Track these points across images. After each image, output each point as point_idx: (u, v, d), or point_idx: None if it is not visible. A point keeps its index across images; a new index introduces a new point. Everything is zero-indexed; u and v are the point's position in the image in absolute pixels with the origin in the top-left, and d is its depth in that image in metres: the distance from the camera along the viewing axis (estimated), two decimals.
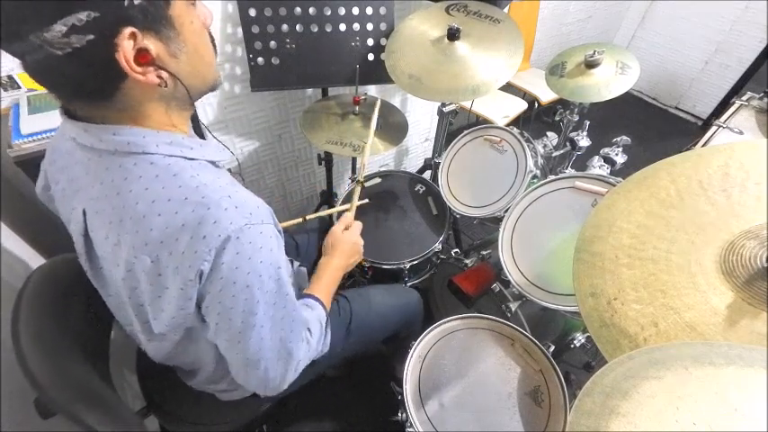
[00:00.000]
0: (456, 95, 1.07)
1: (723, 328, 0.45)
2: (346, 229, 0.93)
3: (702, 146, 1.24)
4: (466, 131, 1.25)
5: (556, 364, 0.83)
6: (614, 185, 0.71)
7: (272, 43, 1.10)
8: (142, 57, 0.44)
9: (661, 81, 2.84)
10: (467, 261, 1.18)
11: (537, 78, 2.16)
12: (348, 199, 1.19)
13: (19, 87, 1.05)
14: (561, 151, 1.41)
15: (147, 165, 0.50)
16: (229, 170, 0.70)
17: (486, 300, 1.11)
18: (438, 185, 1.27)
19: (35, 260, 0.95)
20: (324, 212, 1.11)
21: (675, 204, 0.57)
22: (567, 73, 1.22)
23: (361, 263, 1.14)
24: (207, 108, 1.32)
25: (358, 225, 0.96)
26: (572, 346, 1.05)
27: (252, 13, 1.05)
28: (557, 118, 1.42)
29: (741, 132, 1.26)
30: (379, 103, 1.13)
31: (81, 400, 0.60)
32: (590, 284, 0.56)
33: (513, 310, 1.01)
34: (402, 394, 0.82)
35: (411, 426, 0.78)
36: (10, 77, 1.03)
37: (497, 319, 0.92)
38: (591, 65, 1.18)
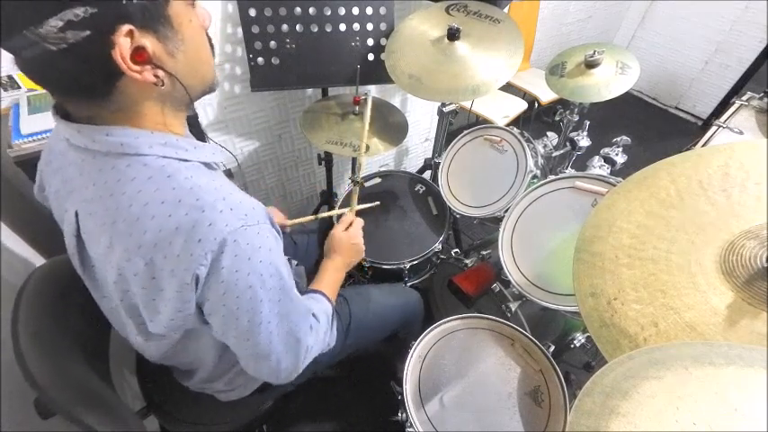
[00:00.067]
0: (456, 95, 1.07)
1: (723, 328, 0.45)
2: (346, 230, 0.94)
3: (702, 146, 1.24)
4: (466, 131, 1.25)
5: (556, 364, 0.83)
6: (614, 185, 0.71)
7: (272, 43, 1.10)
8: (139, 55, 0.44)
9: (661, 81, 2.84)
10: (467, 261, 1.18)
11: (537, 78, 2.16)
12: (349, 199, 1.20)
13: (19, 87, 1.05)
14: (561, 151, 1.41)
15: (140, 166, 0.49)
16: (230, 170, 0.70)
17: (486, 300, 1.11)
18: (438, 185, 1.27)
19: (35, 260, 0.95)
20: (335, 212, 1.12)
21: (675, 204, 0.57)
22: (567, 73, 1.22)
23: (360, 263, 1.14)
24: (207, 108, 1.31)
25: (359, 223, 0.97)
26: (572, 346, 1.05)
27: (252, 13, 1.05)
28: (557, 118, 1.42)
29: (741, 132, 1.26)
30: (370, 100, 1.13)
31: (80, 401, 0.60)
32: (590, 284, 0.56)
33: (513, 310, 1.01)
34: (402, 394, 0.82)
35: (411, 426, 0.78)
36: (10, 77, 1.03)
37: (497, 319, 0.92)
38: (591, 65, 1.18)
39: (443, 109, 1.41)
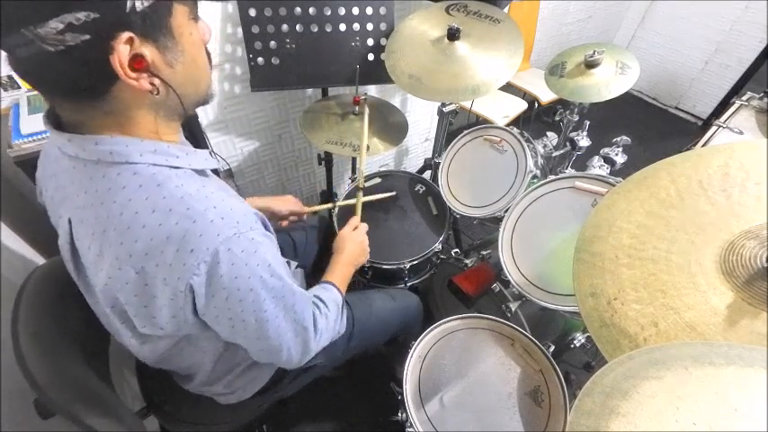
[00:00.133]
0: (456, 95, 1.07)
1: (723, 328, 0.45)
2: (353, 231, 0.99)
3: (702, 146, 1.24)
4: (466, 131, 1.25)
5: (556, 364, 0.83)
6: (614, 185, 0.71)
7: (272, 43, 1.10)
8: (137, 62, 0.44)
9: (661, 81, 2.84)
10: (467, 261, 1.18)
11: (537, 78, 2.16)
12: (351, 196, 1.21)
13: (19, 87, 1.05)
14: (561, 151, 1.41)
15: (130, 174, 0.49)
16: (230, 170, 0.70)
17: (486, 300, 1.11)
18: (438, 185, 1.27)
19: (35, 260, 0.95)
20: (349, 201, 1.15)
21: (675, 204, 0.57)
22: (567, 73, 1.22)
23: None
24: (207, 108, 1.32)
25: (364, 227, 1.01)
26: (572, 346, 1.05)
27: (252, 13, 1.05)
28: (557, 118, 1.42)
29: (741, 132, 1.26)
30: (367, 112, 1.14)
31: (80, 401, 0.60)
32: (590, 284, 0.56)
33: (513, 310, 1.01)
34: (402, 394, 0.82)
35: (411, 426, 0.78)
36: (10, 77, 1.03)
37: (497, 319, 0.92)
38: (591, 65, 1.18)
39: (443, 109, 1.41)
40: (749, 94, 1.40)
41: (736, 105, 1.38)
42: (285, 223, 1.07)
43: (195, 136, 1.16)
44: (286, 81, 1.18)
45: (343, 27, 1.14)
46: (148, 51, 0.44)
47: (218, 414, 0.85)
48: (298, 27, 1.10)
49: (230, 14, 1.17)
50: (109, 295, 0.53)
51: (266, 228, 0.59)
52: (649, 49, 2.83)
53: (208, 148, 1.04)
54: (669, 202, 0.57)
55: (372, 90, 1.57)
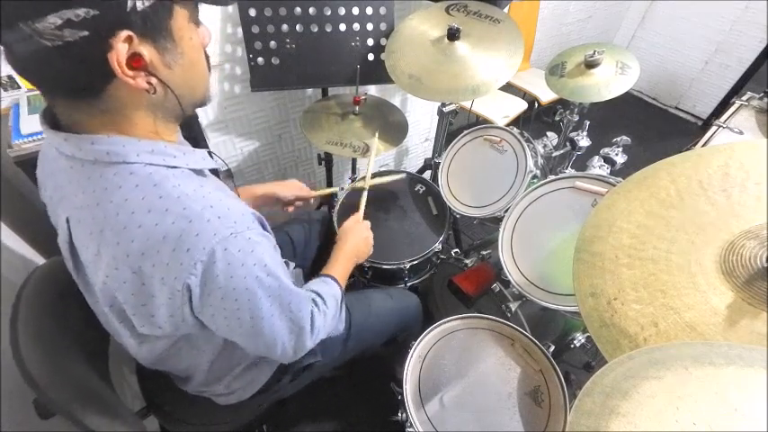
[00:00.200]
0: (456, 95, 1.07)
1: (723, 328, 0.45)
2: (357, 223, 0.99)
3: (702, 146, 1.24)
4: (466, 131, 1.25)
5: (556, 364, 0.83)
6: (614, 185, 0.71)
7: (272, 43, 1.10)
8: (135, 61, 0.44)
9: (661, 81, 2.84)
10: (467, 261, 1.18)
11: (537, 78, 2.16)
12: (352, 195, 1.22)
13: (19, 87, 1.05)
14: (561, 151, 1.41)
15: (126, 174, 0.49)
16: (229, 170, 0.70)
17: (486, 300, 1.11)
18: (438, 185, 1.27)
19: (35, 260, 0.95)
20: (357, 184, 1.17)
21: (675, 204, 0.57)
22: (567, 73, 1.22)
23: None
24: (207, 108, 1.31)
25: (367, 223, 1.01)
26: (572, 346, 1.05)
27: (252, 13, 1.05)
28: (557, 118, 1.42)
29: (741, 132, 1.26)
30: (376, 140, 1.16)
31: (80, 401, 0.60)
32: (590, 284, 0.56)
33: (513, 310, 1.01)
34: (402, 394, 0.82)
35: (411, 426, 0.78)
36: (10, 77, 1.03)
37: (497, 319, 0.92)
38: (591, 65, 1.18)
39: (443, 109, 1.41)
40: (749, 94, 1.40)
41: (736, 105, 1.38)
42: (291, 208, 1.06)
43: (195, 136, 1.17)
44: (286, 81, 1.17)
45: (343, 27, 1.14)
46: (147, 51, 0.44)
47: (219, 414, 0.85)
48: (298, 27, 1.10)
49: (230, 14, 1.17)
50: (107, 294, 0.53)
51: (264, 227, 0.59)
52: (649, 49, 2.83)
53: (207, 148, 1.04)
54: (669, 202, 0.57)
55: (372, 90, 1.57)
